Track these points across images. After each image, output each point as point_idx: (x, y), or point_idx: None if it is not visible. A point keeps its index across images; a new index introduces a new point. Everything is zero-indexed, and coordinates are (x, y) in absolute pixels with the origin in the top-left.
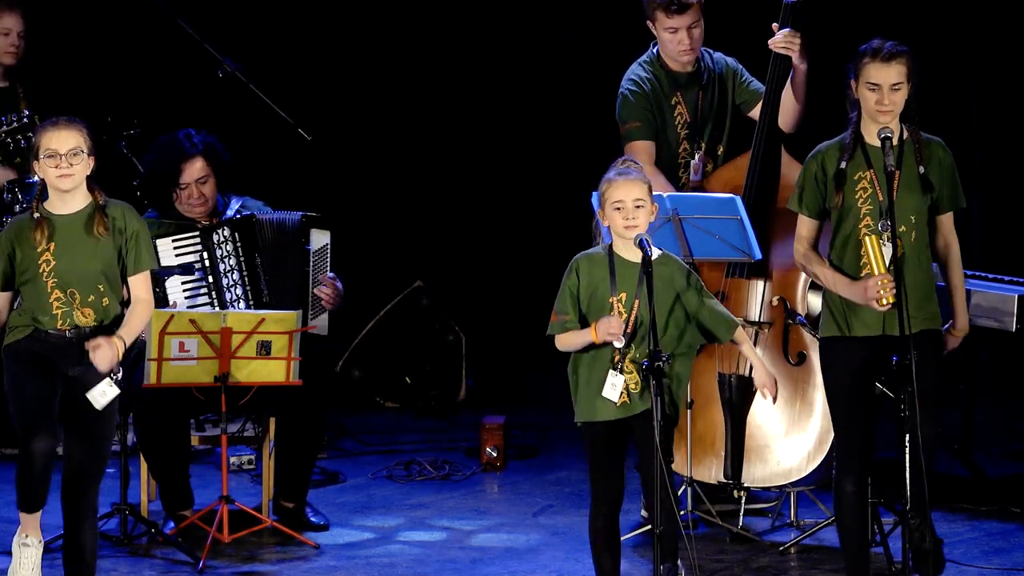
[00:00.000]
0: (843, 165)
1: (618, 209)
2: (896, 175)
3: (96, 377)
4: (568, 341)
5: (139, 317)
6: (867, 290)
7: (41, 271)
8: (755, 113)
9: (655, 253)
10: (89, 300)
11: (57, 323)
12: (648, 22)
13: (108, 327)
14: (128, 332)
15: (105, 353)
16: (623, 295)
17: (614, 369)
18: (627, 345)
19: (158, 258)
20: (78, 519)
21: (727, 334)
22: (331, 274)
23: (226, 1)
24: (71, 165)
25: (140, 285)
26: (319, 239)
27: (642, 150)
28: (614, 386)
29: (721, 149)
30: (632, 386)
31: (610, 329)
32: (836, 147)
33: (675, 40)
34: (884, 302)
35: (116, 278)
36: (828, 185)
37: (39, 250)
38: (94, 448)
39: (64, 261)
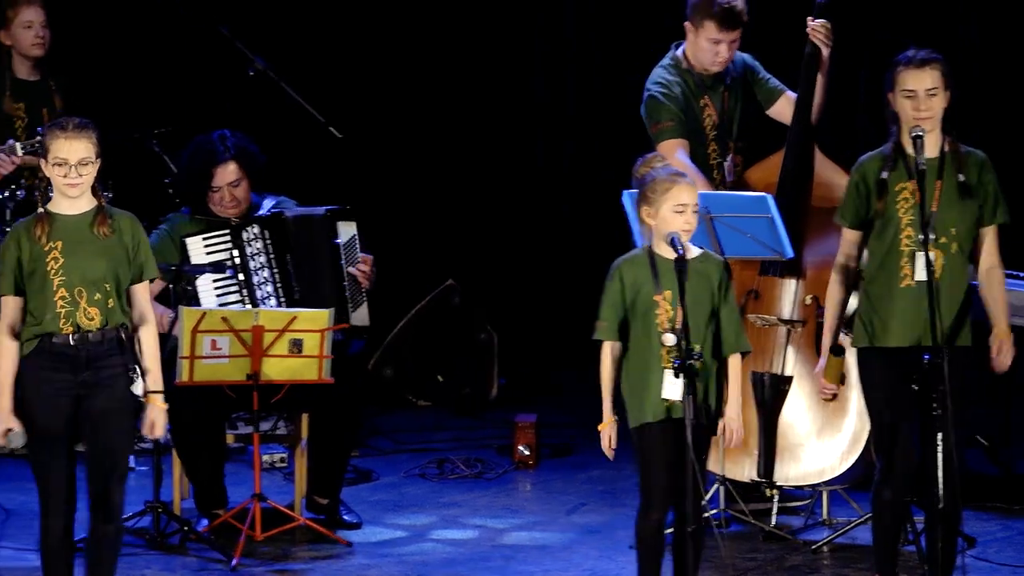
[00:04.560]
0: (884, 175)
1: (680, 212)
2: (937, 186)
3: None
4: (602, 375)
5: (154, 349)
6: (819, 379)
7: (49, 269)
8: (774, 111)
9: (695, 252)
10: (95, 299)
11: (59, 323)
12: (687, 23)
13: (111, 332)
14: (156, 378)
15: (160, 423)
16: (667, 293)
17: (668, 369)
18: (676, 343)
19: (188, 257)
20: (105, 517)
21: (729, 349)
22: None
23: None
24: (80, 175)
25: (144, 297)
26: (346, 231)
27: (678, 147)
28: (674, 384)
29: (744, 147)
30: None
31: (605, 446)
32: (878, 158)
33: (714, 51)
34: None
35: (123, 281)
36: (871, 195)
37: (45, 248)
38: (117, 448)
39: (71, 260)
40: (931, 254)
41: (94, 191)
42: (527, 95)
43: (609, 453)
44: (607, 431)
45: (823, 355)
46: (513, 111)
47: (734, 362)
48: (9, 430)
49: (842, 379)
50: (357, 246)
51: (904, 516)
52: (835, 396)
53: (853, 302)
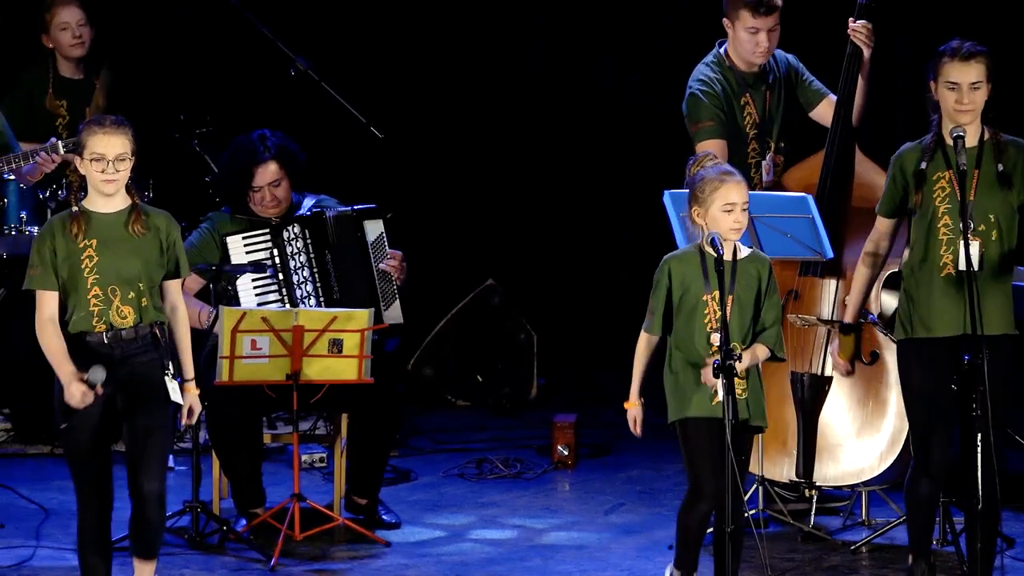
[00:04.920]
0: (923, 165)
1: (728, 211)
2: (975, 174)
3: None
4: (635, 359)
5: (186, 336)
6: (833, 356)
7: (83, 267)
8: (816, 113)
9: (744, 251)
10: (129, 298)
11: (92, 321)
12: (725, 20)
13: (145, 329)
14: (189, 364)
15: (197, 408)
16: (716, 293)
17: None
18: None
19: (229, 256)
20: (145, 502)
21: (772, 342)
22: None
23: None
24: (116, 171)
25: (177, 291)
26: (373, 229)
27: (716, 148)
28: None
29: (786, 148)
30: (739, 392)
31: (631, 421)
32: (917, 148)
33: (753, 41)
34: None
35: (156, 279)
36: (908, 185)
37: (80, 246)
38: (156, 427)
39: (106, 259)
40: (971, 245)
41: (129, 190)
42: (593, 97)
43: (636, 431)
44: (633, 412)
45: (836, 332)
46: (571, 111)
47: (752, 353)
48: (84, 379)
49: (874, 359)
50: (385, 244)
51: (943, 515)
52: (850, 373)
53: (892, 302)
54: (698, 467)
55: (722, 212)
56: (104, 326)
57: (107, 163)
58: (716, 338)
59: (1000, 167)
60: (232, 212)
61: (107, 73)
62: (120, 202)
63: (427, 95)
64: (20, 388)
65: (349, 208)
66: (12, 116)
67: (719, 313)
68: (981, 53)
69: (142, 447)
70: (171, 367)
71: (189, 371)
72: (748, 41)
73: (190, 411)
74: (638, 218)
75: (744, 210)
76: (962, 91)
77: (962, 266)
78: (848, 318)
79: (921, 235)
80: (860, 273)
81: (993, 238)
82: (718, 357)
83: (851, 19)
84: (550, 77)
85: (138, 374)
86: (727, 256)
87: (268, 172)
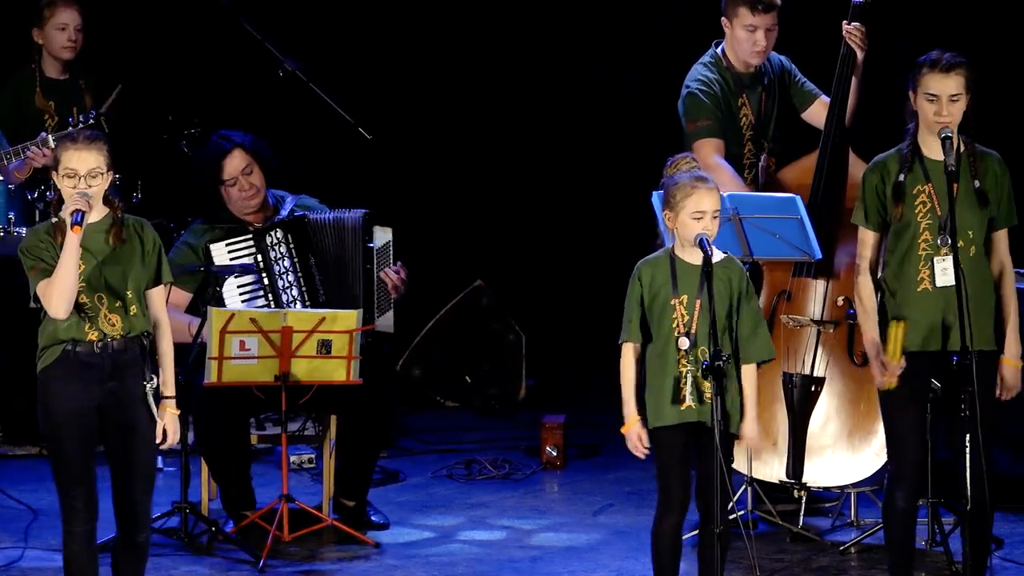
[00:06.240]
0: (902, 178)
1: (698, 219)
2: (954, 188)
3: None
4: (622, 376)
5: (168, 352)
6: (876, 364)
7: None
8: (808, 114)
9: (718, 256)
10: (116, 306)
11: (84, 327)
12: (723, 19)
13: (134, 339)
14: (170, 381)
15: (173, 430)
16: (684, 297)
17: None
18: (691, 347)
19: (212, 260)
20: (132, 528)
21: (746, 359)
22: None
23: (287, 0)
24: (89, 186)
25: (159, 301)
26: (382, 236)
27: (714, 147)
28: (690, 392)
29: (777, 149)
30: (707, 397)
31: (634, 446)
32: (895, 159)
33: (751, 39)
34: (884, 386)
35: (141, 286)
36: (888, 196)
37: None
38: (145, 461)
39: (88, 267)
40: (948, 258)
41: (110, 202)
42: (586, 98)
43: (641, 452)
44: (633, 431)
45: (872, 346)
46: (562, 112)
47: (748, 372)
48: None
49: (866, 360)
50: (391, 252)
51: (931, 516)
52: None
53: None
54: (667, 477)
55: (692, 219)
56: (96, 334)
57: (79, 179)
58: (683, 342)
59: (976, 183)
60: (208, 220)
61: (91, 77)
62: (98, 214)
63: (427, 94)
64: (8, 389)
65: (361, 211)
66: (0, 116)
67: (686, 317)
68: (961, 65)
69: (130, 479)
70: (155, 379)
71: (168, 388)
72: (746, 40)
73: (164, 434)
74: (638, 218)
75: (715, 218)
76: (941, 103)
77: (939, 282)
78: (872, 333)
79: (898, 250)
80: (868, 290)
81: (971, 254)
82: (705, 359)
83: (845, 21)
84: (550, 77)
85: (130, 395)
86: (698, 261)
87: (236, 159)
